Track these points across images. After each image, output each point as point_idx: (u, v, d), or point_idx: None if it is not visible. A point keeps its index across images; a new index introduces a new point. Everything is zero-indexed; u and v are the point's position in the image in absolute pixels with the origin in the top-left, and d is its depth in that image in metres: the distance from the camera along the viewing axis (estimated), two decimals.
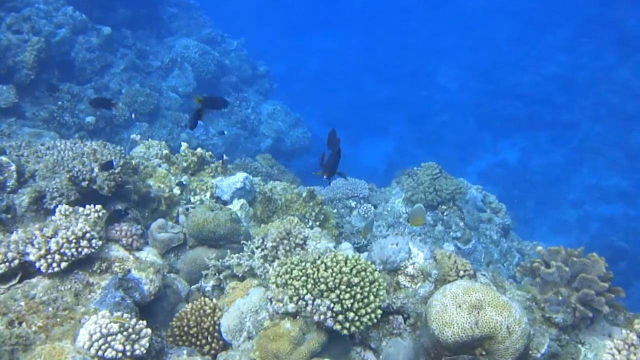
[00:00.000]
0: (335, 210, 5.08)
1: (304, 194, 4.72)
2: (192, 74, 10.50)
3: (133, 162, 4.26)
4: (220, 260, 3.59)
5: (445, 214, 5.12)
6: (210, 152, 4.67)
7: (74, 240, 2.82)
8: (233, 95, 11.02)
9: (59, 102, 7.80)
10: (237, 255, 3.53)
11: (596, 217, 13.30)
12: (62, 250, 2.77)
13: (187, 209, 4.22)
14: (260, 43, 18.87)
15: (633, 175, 13.88)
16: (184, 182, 4.38)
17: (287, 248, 3.40)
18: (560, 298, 3.13)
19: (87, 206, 3.21)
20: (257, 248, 3.49)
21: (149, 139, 4.76)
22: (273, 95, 12.50)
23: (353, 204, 5.38)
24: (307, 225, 4.60)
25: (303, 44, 21.71)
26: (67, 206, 3.14)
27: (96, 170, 3.73)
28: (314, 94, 19.14)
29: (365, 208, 5.36)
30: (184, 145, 4.72)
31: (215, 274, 3.60)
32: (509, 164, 15.14)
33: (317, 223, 4.63)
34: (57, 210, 3.12)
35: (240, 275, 3.44)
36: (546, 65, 17.44)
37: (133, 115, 8.61)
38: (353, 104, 18.51)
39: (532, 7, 20.32)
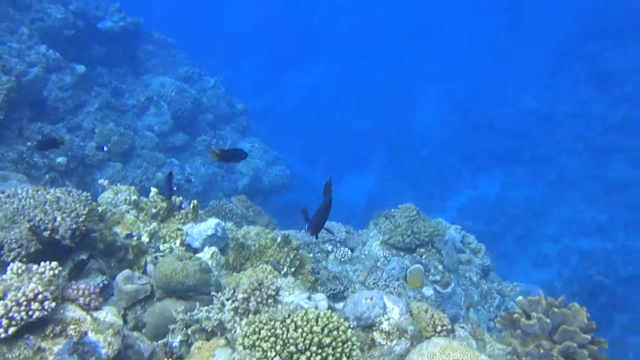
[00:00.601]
0: (311, 255, 4.94)
1: (279, 239, 4.58)
2: (169, 112, 10.40)
3: (100, 209, 4.10)
4: (188, 313, 3.43)
5: (423, 257, 5.00)
6: (180, 197, 4.52)
7: (24, 303, 2.64)
8: (210, 133, 10.92)
9: (29, 143, 7.62)
10: (206, 307, 3.37)
11: (575, 250, 13.30)
12: (10, 315, 2.59)
13: (156, 258, 4.06)
14: (239, 79, 18.88)
15: (610, 208, 13.95)
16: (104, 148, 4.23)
17: (259, 300, 3.24)
18: (542, 351, 3.01)
19: (42, 263, 3.03)
20: (227, 300, 3.33)
21: (118, 184, 4.60)
22: (251, 133, 12.44)
23: (329, 248, 5.25)
24: (282, 272, 4.45)
25: (282, 79, 21.73)
26: (19, 264, 2.96)
27: (59, 219, 3.57)
28: (294, 129, 19.07)
29: (342, 252, 5.23)
30: (153, 190, 4.57)
31: (183, 328, 3.43)
32: (488, 199, 15.14)
33: (292, 269, 4.48)
34: (8, 268, 2.94)
35: (209, 330, 3.28)
36: (524, 99, 17.60)
37: (105, 147, 8.45)
38: (333, 138, 18.46)
39: (511, 42, 20.59)
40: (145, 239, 4.20)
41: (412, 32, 22.79)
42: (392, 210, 5.43)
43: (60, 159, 7.85)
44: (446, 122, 18.06)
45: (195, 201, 4.43)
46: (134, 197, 4.44)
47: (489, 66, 19.77)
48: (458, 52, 21.12)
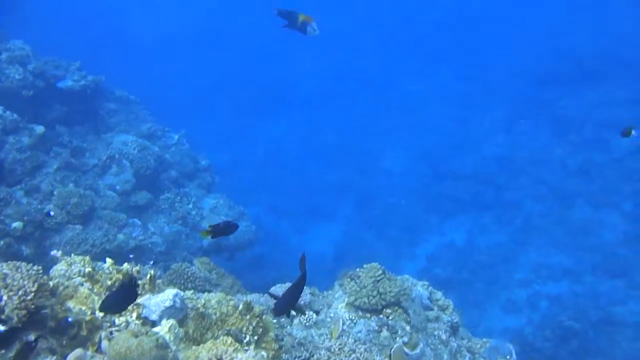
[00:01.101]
0: (275, 320, 4.80)
1: (240, 307, 4.44)
2: (131, 170, 10.25)
3: (51, 283, 3.93)
4: None
5: (390, 318, 4.90)
6: (137, 268, 4.37)
7: None
8: (174, 190, 10.76)
9: None
10: None
11: (544, 295, 13.34)
12: None
13: (111, 333, 3.89)
14: (205, 133, 18.85)
15: (576, 252, 14.09)
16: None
17: None
18: None
19: None
20: None
21: (72, 255, 4.44)
22: (215, 189, 12.31)
23: (294, 312, 5.11)
24: (245, 341, 4.31)
25: (249, 131, 21.78)
26: None
27: (5, 298, 3.40)
28: (261, 181, 19.04)
29: (307, 316, 5.10)
30: (109, 261, 4.42)
31: None
32: (456, 246, 15.19)
33: (255, 337, 4.33)
34: None
35: None
36: (487, 146, 17.89)
37: (52, 213, 8.22)
38: (300, 189, 18.46)
39: (472, 91, 21.04)
40: (99, 313, 4.03)
41: (375, 86, 23.20)
42: (358, 270, 5.34)
43: (16, 224, 7.62)
44: (411, 170, 18.23)
45: (152, 271, 4.28)
46: (88, 269, 4.27)
47: (451, 115, 20.13)
48: (422, 101, 21.49)
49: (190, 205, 10.77)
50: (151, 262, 8.50)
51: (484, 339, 5.76)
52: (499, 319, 13.17)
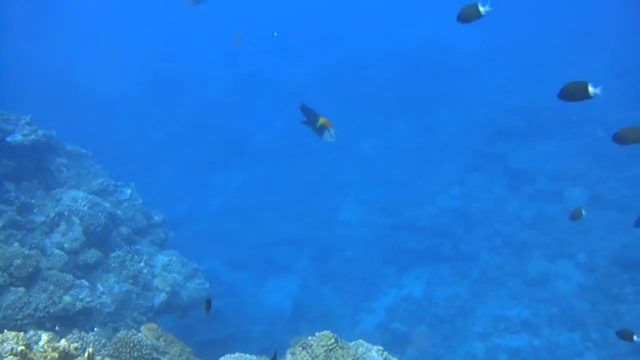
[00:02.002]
0: None
1: None
2: (80, 228, 9.91)
3: None
4: None
5: None
6: (75, 345, 4.13)
7: None
8: (125, 248, 10.45)
9: None
10: None
11: (503, 348, 13.33)
12: None
13: None
14: (160, 186, 18.68)
15: (533, 304, 14.16)
16: None
17: None
18: None
19: None
20: None
21: (5, 331, 4.18)
22: (169, 245, 12.03)
23: None
24: None
25: (204, 184, 21.63)
26: None
27: None
28: (217, 233, 18.87)
29: None
30: (44, 339, 4.18)
31: None
32: (414, 299, 15.15)
33: None
34: None
35: None
36: (443, 198, 18.07)
37: None
38: (256, 242, 18.32)
39: (425, 145, 21.38)
40: None
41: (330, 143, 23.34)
42: (310, 338, 5.17)
43: None
44: (368, 223, 18.27)
45: (90, 349, 4.06)
46: (20, 348, 4.02)
47: (406, 168, 20.37)
48: (378, 154, 21.71)
49: (142, 264, 10.45)
50: (95, 329, 8.15)
51: None
52: None
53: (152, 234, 11.79)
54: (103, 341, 5.81)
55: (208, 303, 4.87)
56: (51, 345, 4.10)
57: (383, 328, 14.41)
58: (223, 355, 12.06)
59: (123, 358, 5.61)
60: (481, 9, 4.67)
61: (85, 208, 10.19)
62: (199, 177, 21.84)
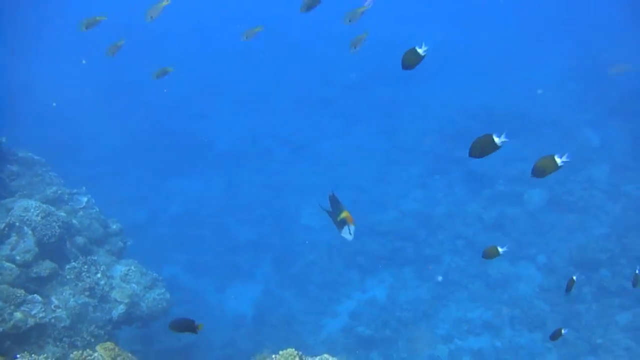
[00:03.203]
0: None
1: None
2: (33, 239, 9.53)
3: None
4: None
5: None
6: None
7: None
8: (81, 259, 10.10)
9: None
10: None
11: (466, 350, 13.44)
12: None
13: None
14: (118, 192, 18.30)
15: (494, 305, 14.31)
16: None
17: None
18: None
19: None
20: None
21: None
22: (127, 254, 11.72)
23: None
24: None
25: (164, 189, 21.23)
26: None
27: None
28: (178, 239, 18.53)
29: None
30: None
31: None
32: (378, 302, 15.14)
33: None
34: None
35: None
36: (405, 202, 18.08)
37: None
38: (217, 247, 18.08)
39: (387, 149, 21.40)
40: None
41: (290, 145, 23.30)
42: (274, 357, 5.02)
43: None
44: (330, 227, 18.08)
45: None
46: None
47: (368, 172, 20.35)
48: (339, 158, 21.64)
49: (99, 275, 10.12)
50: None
51: None
52: None
53: (109, 243, 11.46)
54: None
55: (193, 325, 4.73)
56: None
57: (347, 332, 14.34)
58: None
59: None
60: (419, 50, 4.76)
61: (38, 218, 9.80)
62: (158, 182, 21.44)
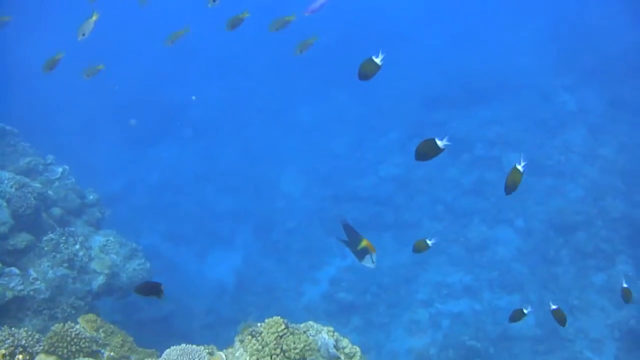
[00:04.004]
0: None
1: None
2: (8, 210, 9.30)
3: None
4: None
5: None
6: (3, 351, 3.80)
7: None
8: (58, 230, 9.91)
9: None
10: None
11: (446, 314, 13.57)
12: None
13: None
14: (94, 162, 18.00)
15: (474, 269, 14.45)
16: None
17: None
18: None
19: None
20: None
21: None
22: (105, 224, 11.53)
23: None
24: None
25: (140, 158, 20.95)
26: None
27: None
28: (156, 208, 18.38)
29: None
30: None
31: None
32: (358, 269, 15.12)
33: None
34: None
35: None
36: (383, 167, 18.04)
37: None
38: (196, 215, 17.96)
39: (365, 114, 21.28)
40: None
41: (267, 111, 23.05)
42: (259, 325, 4.97)
43: None
44: (309, 194, 18.11)
45: (20, 356, 3.72)
46: None
47: (346, 138, 20.26)
48: (317, 124, 21.50)
49: (77, 246, 9.95)
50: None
51: None
52: (403, 340, 13.25)
53: (87, 213, 11.23)
54: (37, 336, 5.44)
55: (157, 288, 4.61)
56: None
57: (328, 299, 14.42)
58: (166, 335, 11.81)
59: (60, 353, 5.27)
60: (377, 60, 4.68)
61: (13, 189, 9.56)
62: (133, 151, 21.15)
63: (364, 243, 5.26)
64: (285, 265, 15.76)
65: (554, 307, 5.71)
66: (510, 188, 4.77)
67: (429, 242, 5.99)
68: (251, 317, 6.73)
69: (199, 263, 16.34)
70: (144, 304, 13.13)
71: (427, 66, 22.78)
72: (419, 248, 6.11)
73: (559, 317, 5.65)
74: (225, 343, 5.61)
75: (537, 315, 12.83)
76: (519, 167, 4.66)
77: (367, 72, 4.80)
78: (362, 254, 5.31)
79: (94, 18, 7.08)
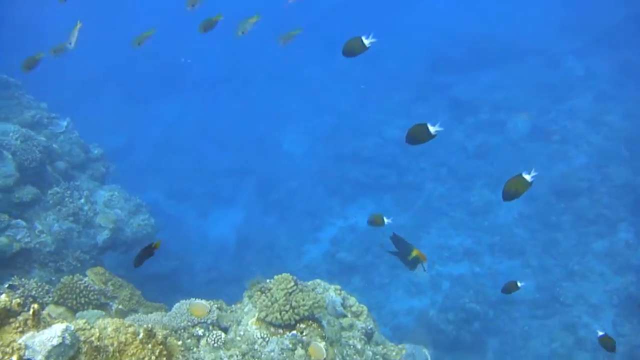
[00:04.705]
0: (180, 342, 4.39)
1: (141, 335, 3.99)
2: (13, 163, 9.25)
3: None
4: None
5: (304, 334, 4.61)
6: (18, 300, 3.79)
7: None
8: (63, 184, 9.88)
9: None
10: None
11: (446, 276, 13.64)
12: None
13: None
14: (97, 117, 17.88)
15: (475, 232, 14.49)
16: None
17: None
18: None
19: None
20: None
21: None
22: (110, 179, 11.50)
23: (200, 332, 4.72)
24: None
25: (142, 113, 20.82)
26: None
27: None
28: (158, 165, 18.35)
29: (214, 335, 4.70)
30: None
31: None
32: (359, 229, 15.21)
33: None
34: None
35: None
36: (387, 128, 17.95)
37: None
38: (198, 173, 17.94)
39: (369, 75, 21.06)
40: None
41: (270, 70, 22.80)
42: (268, 281, 4.98)
43: None
44: (312, 154, 18.08)
45: (35, 305, 3.72)
46: None
47: (351, 99, 20.10)
48: (321, 83, 21.30)
49: (82, 200, 9.96)
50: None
51: (400, 345, 5.62)
52: (403, 301, 13.35)
53: (91, 168, 11.21)
54: (46, 287, 5.47)
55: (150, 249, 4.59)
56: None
57: (329, 258, 14.49)
58: (169, 291, 11.87)
59: (69, 305, 5.31)
60: (366, 41, 4.56)
61: (18, 142, 9.49)
62: (135, 108, 21.01)
63: (414, 253, 5.25)
64: (287, 224, 15.81)
65: (600, 333, 5.31)
66: (509, 195, 4.40)
67: (386, 219, 5.91)
68: (253, 275, 6.74)
69: (201, 220, 16.39)
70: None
71: (432, 28, 22.50)
72: (375, 222, 6.02)
73: (607, 345, 5.29)
74: (228, 299, 5.64)
75: (537, 280, 12.92)
76: (527, 177, 4.30)
77: (352, 49, 4.70)
78: (413, 263, 5.31)
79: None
